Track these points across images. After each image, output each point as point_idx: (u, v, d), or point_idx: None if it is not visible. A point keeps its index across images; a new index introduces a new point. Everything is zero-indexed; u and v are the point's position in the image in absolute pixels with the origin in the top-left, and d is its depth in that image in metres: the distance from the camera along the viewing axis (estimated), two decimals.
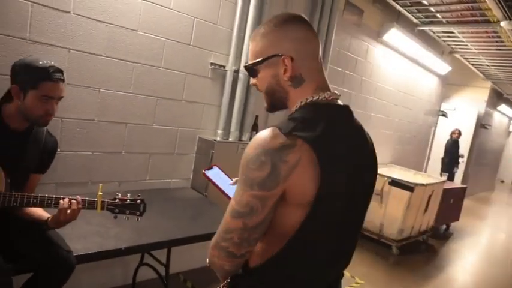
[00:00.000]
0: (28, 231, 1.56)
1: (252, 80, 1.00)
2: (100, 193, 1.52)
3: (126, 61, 2.41)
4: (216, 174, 1.21)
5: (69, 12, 2.12)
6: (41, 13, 2.03)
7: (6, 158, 1.46)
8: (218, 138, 2.97)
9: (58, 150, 2.20)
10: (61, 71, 1.51)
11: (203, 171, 1.19)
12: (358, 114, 4.83)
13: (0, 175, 1.43)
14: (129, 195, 1.60)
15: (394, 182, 4.38)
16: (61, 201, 1.44)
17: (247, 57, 2.97)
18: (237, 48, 2.95)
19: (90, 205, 1.51)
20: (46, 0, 2.03)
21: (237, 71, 2.97)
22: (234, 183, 1.16)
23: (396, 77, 5.30)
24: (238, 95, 2.99)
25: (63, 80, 1.51)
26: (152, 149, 2.70)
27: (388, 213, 4.44)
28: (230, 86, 2.96)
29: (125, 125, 2.51)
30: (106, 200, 1.53)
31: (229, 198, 1.09)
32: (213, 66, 2.88)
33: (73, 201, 1.46)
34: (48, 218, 1.52)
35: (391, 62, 5.10)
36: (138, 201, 1.59)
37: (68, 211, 1.44)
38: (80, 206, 1.47)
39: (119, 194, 1.58)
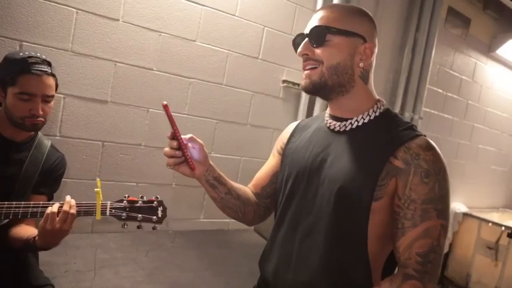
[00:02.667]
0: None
1: (306, 49, 0.91)
2: (97, 189, 1.11)
3: (181, 76, 2.05)
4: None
5: (117, 20, 1.84)
6: (86, 21, 1.77)
7: (1, 173, 1.22)
8: None
9: (97, 179, 1.95)
10: (47, 63, 1.24)
11: (164, 102, 0.94)
12: (462, 146, 3.93)
13: None
14: (144, 197, 1.20)
15: None
16: (49, 208, 1.11)
17: None
18: None
19: (88, 211, 1.13)
20: (93, 7, 1.78)
21: None
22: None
23: None
24: None
25: (48, 74, 1.23)
26: None
27: (507, 275, 3.44)
28: (306, 108, 2.52)
29: None
30: (108, 202, 1.15)
31: (179, 137, 0.93)
32: (285, 84, 2.44)
33: (64, 205, 1.11)
34: (35, 236, 1.15)
35: (507, 81, 4.19)
36: (155, 203, 1.18)
37: (57, 218, 1.08)
38: (72, 211, 1.10)
39: (127, 196, 1.19)
